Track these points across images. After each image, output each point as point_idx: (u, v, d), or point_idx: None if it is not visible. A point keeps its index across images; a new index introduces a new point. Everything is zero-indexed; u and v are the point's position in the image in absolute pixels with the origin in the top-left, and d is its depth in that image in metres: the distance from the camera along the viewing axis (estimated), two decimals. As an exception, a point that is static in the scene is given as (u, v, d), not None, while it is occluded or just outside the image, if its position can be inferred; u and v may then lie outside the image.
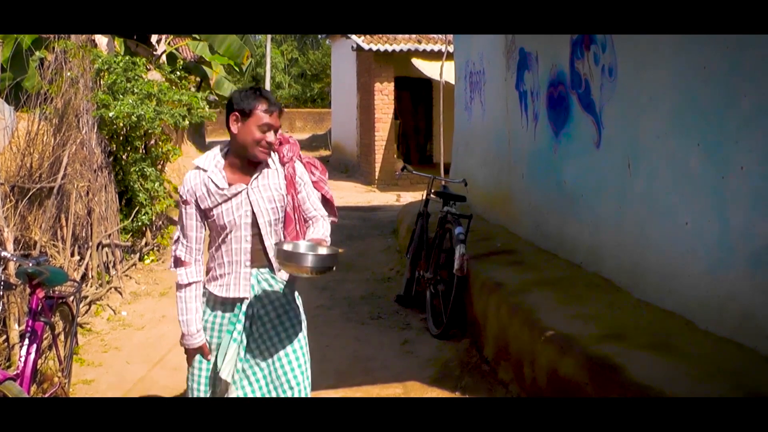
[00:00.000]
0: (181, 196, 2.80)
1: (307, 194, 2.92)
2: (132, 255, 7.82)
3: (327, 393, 4.38)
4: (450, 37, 12.17)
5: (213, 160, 2.79)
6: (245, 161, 2.77)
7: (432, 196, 6.53)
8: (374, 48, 15.78)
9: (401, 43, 15.96)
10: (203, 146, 22.41)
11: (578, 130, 5.33)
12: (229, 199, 2.75)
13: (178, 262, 2.84)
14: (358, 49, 16.19)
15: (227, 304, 2.85)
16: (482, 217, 7.48)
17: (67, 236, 6.01)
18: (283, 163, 2.86)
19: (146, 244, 8.33)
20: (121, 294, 6.74)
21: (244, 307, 2.82)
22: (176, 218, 10.57)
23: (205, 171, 2.77)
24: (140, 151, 8.40)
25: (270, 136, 2.72)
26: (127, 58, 8.21)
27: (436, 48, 15.63)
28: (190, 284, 2.82)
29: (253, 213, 2.77)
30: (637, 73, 4.50)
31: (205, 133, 25.38)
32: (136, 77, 8.07)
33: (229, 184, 2.76)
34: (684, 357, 3.35)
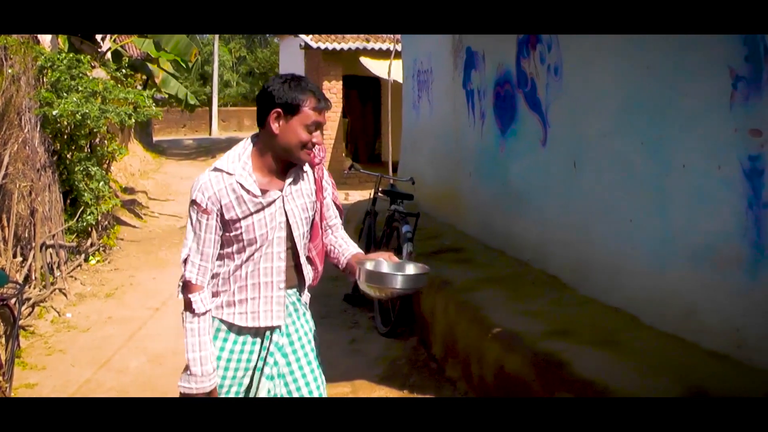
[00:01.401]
0: (198, 205, 2.29)
1: (332, 200, 2.58)
2: (77, 256, 7.62)
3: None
4: (398, 36, 12.18)
5: (239, 161, 2.32)
6: (280, 164, 2.35)
7: (380, 194, 6.51)
8: (322, 46, 15.70)
9: (349, 41, 15.91)
10: (150, 145, 22.01)
11: (524, 128, 5.37)
12: (263, 208, 2.32)
13: (189, 287, 2.33)
14: (306, 47, 16.08)
15: (249, 335, 2.43)
16: (430, 215, 7.49)
17: (8, 237, 5.81)
18: (313, 166, 2.46)
19: (92, 245, 8.14)
20: (65, 295, 6.54)
21: (275, 337, 2.43)
22: (123, 218, 10.33)
23: (230, 174, 2.30)
24: (85, 150, 8.25)
25: (318, 137, 2.31)
26: (71, 55, 8.03)
27: (384, 47, 15.62)
28: (205, 313, 2.33)
29: (288, 225, 2.38)
30: (582, 73, 4.55)
31: (152, 131, 24.94)
32: (80, 75, 7.92)
33: (262, 191, 2.32)
34: (629, 352, 3.40)
